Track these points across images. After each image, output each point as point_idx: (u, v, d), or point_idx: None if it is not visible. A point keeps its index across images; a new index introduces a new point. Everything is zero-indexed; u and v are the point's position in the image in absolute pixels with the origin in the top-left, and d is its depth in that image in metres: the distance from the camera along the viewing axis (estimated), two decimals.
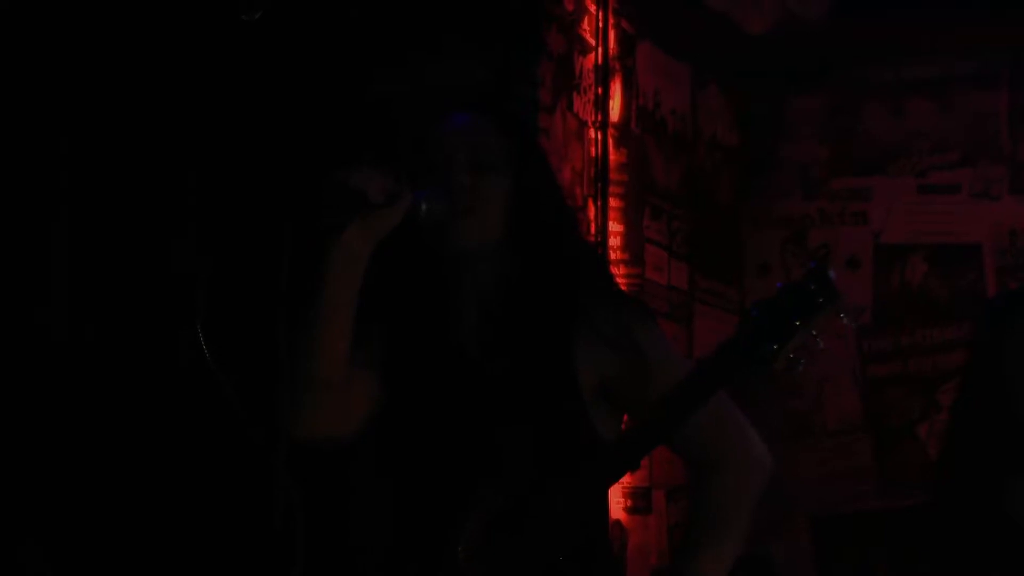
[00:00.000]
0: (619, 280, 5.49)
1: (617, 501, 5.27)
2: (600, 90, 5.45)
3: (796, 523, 6.26)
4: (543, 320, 2.90)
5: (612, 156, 5.50)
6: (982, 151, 6.19)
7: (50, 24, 3.55)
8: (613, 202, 5.49)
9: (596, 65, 5.45)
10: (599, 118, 5.45)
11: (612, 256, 5.47)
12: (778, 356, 2.67)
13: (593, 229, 5.39)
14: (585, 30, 5.39)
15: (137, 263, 3.42)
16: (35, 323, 3.47)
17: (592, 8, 5.44)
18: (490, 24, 4.65)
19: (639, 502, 5.55)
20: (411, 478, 2.92)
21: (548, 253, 2.93)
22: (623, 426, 2.99)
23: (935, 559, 4.56)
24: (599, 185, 5.44)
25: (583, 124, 5.37)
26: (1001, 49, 6.15)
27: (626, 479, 5.11)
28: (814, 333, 2.69)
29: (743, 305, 6.40)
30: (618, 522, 5.32)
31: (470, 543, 2.74)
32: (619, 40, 5.57)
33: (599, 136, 5.46)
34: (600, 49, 5.47)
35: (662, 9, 5.72)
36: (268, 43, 3.95)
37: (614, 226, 5.49)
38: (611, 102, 5.50)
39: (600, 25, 5.48)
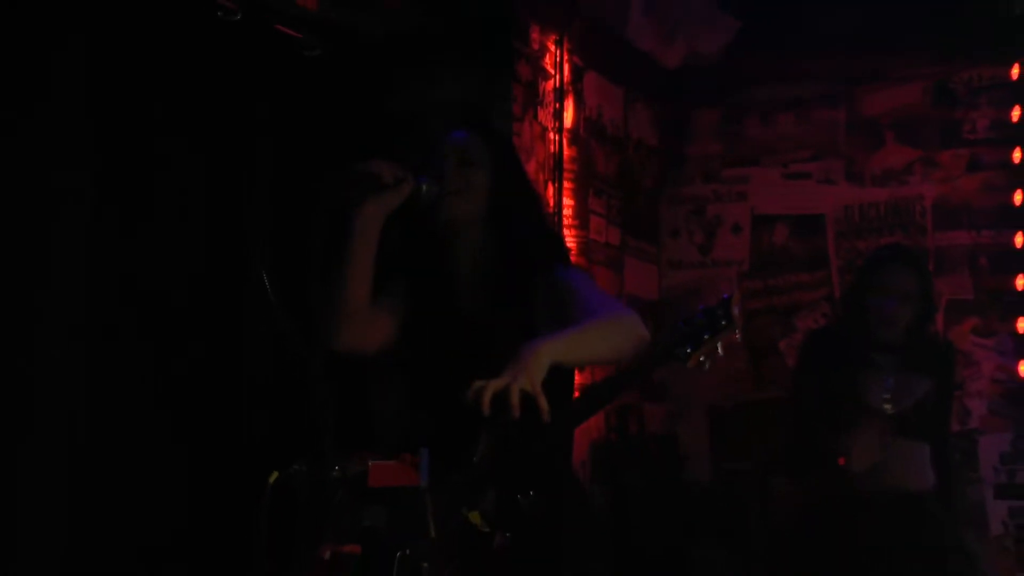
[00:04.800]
0: (570, 239, 5.52)
1: None
2: (557, 105, 5.42)
3: (696, 412, 6.24)
4: (513, 276, 2.90)
5: (566, 153, 5.47)
6: (826, 150, 6.13)
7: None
8: (566, 185, 5.47)
9: (555, 88, 5.42)
10: (557, 125, 5.43)
11: (566, 223, 5.44)
12: (691, 357, 2.73)
13: (552, 204, 5.38)
14: (547, 63, 5.37)
15: (220, 224, 3.39)
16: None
17: (551, 47, 5.41)
18: (476, 59, 4.63)
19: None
20: (423, 391, 2.91)
21: (517, 227, 2.93)
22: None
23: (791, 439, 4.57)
24: (557, 173, 5.42)
25: (545, 129, 5.35)
26: (841, 78, 6.12)
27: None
28: (717, 346, 2.73)
29: (660, 258, 6.40)
30: None
31: (482, 455, 2.69)
32: (572, 70, 5.54)
33: (557, 138, 5.42)
34: (557, 76, 5.44)
35: (603, 48, 5.69)
36: (321, 75, 3.93)
37: (567, 202, 5.47)
38: (565, 114, 5.46)
39: (557, 59, 5.44)
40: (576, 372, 3.06)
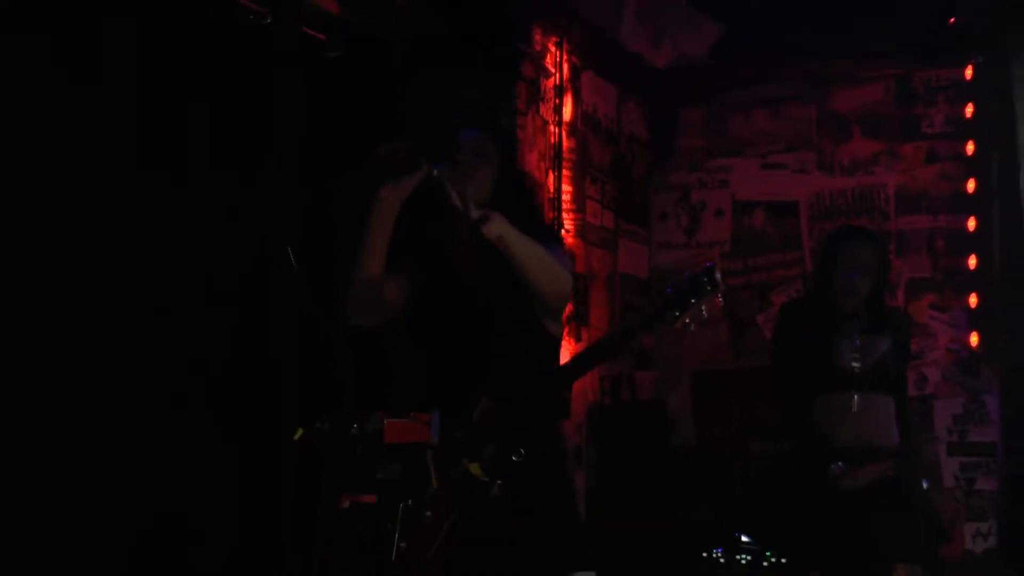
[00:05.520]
0: (569, 221, 5.52)
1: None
2: (557, 101, 5.42)
3: (682, 380, 6.24)
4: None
5: (565, 144, 5.47)
6: (800, 143, 6.12)
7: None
8: (565, 173, 5.47)
9: (555, 85, 5.41)
10: (557, 119, 5.42)
11: (565, 207, 5.44)
12: (678, 320, 2.73)
13: (552, 190, 5.37)
14: (548, 63, 5.36)
15: (249, 207, 3.38)
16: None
17: (552, 48, 5.40)
18: (486, 62, 4.62)
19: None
20: (433, 356, 2.89)
21: (515, 213, 2.92)
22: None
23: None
24: (557, 162, 5.41)
25: (546, 123, 5.34)
26: (812, 79, 6.11)
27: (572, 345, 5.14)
28: (702, 309, 2.73)
29: (650, 240, 6.40)
30: None
31: (482, 413, 2.70)
32: (570, 69, 5.53)
33: (557, 131, 5.42)
34: (557, 75, 5.43)
35: (599, 50, 5.67)
36: (347, 76, 3.92)
37: (566, 188, 5.46)
38: (564, 109, 5.46)
39: (558, 60, 5.43)
40: (563, 342, 3.05)
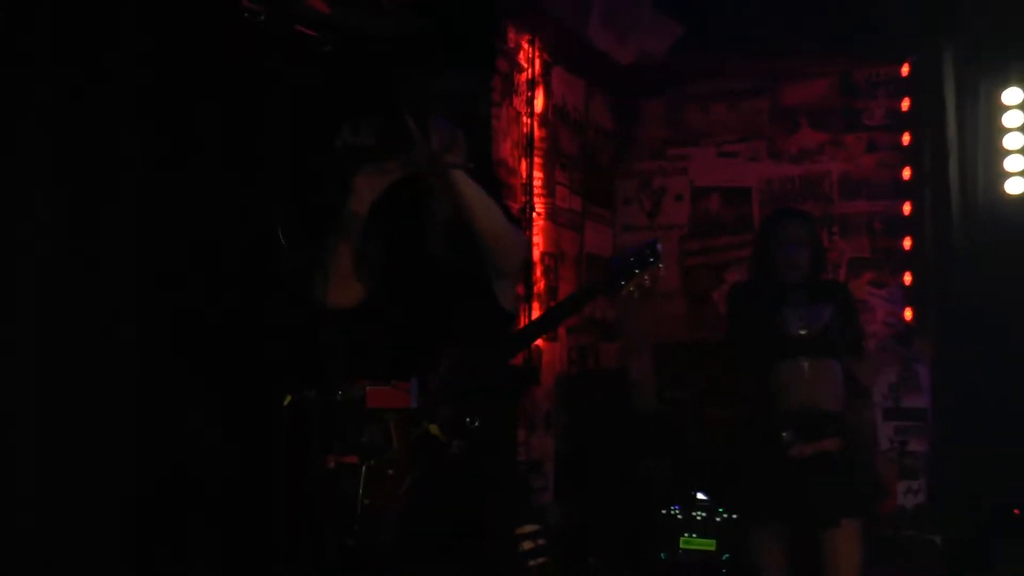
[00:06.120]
0: (540, 205, 5.51)
1: None
2: (529, 94, 5.42)
3: (643, 350, 6.27)
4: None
5: (536, 133, 5.47)
6: (752, 134, 6.15)
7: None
8: (537, 160, 5.47)
9: (528, 80, 5.41)
10: (529, 111, 5.42)
11: (536, 191, 5.44)
12: (624, 288, 2.74)
13: (525, 176, 5.38)
14: (521, 58, 5.35)
15: (246, 191, 3.36)
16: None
17: (525, 46, 5.39)
18: (465, 57, 4.60)
19: (551, 333, 5.52)
20: (401, 326, 2.82)
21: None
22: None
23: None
24: (529, 151, 5.42)
25: (519, 114, 5.34)
26: (765, 75, 6.12)
27: None
28: (645, 278, 2.73)
29: (614, 222, 6.40)
30: (537, 347, 5.33)
31: (437, 377, 2.68)
32: (542, 65, 5.53)
33: (529, 122, 5.42)
34: (530, 70, 5.43)
35: (568, 47, 5.66)
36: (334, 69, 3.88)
37: (537, 174, 5.47)
38: (536, 101, 5.46)
39: (530, 56, 5.43)
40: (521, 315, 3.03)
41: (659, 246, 2.75)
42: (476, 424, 2.63)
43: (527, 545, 2.67)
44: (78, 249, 3.05)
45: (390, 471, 2.60)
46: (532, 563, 2.65)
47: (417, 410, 2.63)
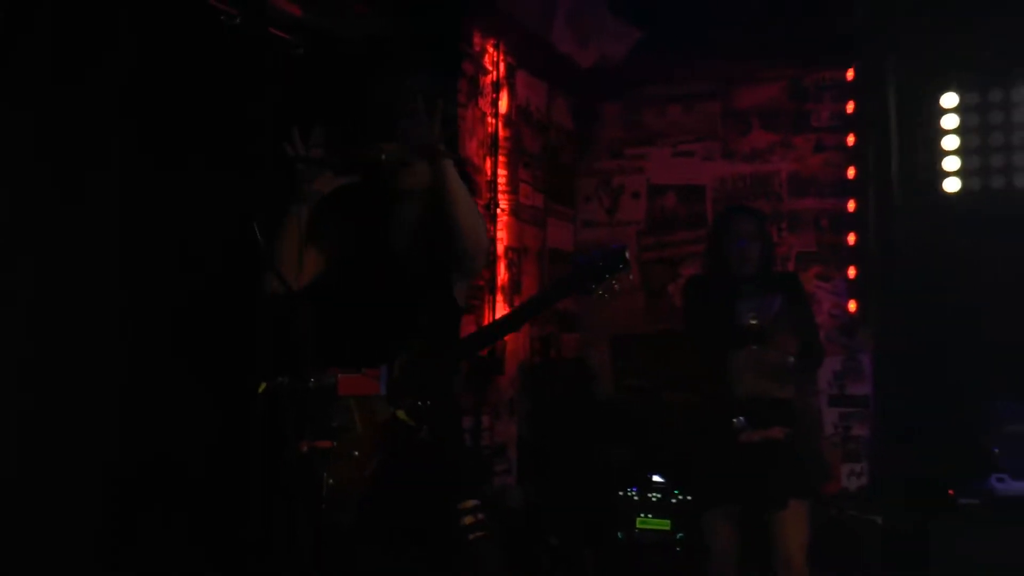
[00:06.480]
0: (504, 202, 5.51)
1: None
2: (494, 96, 5.41)
3: (602, 341, 6.28)
4: (438, 231, 2.85)
5: (501, 133, 5.47)
6: (706, 134, 6.15)
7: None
8: (501, 159, 5.47)
9: (492, 82, 5.41)
10: (494, 111, 5.42)
11: (500, 188, 5.44)
12: (594, 291, 2.75)
13: (490, 174, 5.38)
14: (486, 61, 5.34)
15: (224, 186, 3.33)
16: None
17: (490, 49, 5.39)
18: (432, 60, 4.59)
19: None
20: (357, 317, 2.82)
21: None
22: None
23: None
24: (494, 150, 5.42)
25: (484, 115, 5.34)
26: (719, 79, 6.14)
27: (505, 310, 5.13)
28: (614, 283, 2.74)
29: (575, 218, 6.40)
30: None
31: (400, 367, 2.68)
32: (506, 68, 5.52)
33: (494, 122, 5.42)
34: (495, 73, 5.42)
35: (531, 51, 5.66)
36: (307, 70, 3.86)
37: (502, 172, 5.46)
38: (500, 103, 5.46)
39: (495, 59, 5.43)
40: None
41: (627, 253, 2.77)
42: (428, 405, 2.64)
43: (468, 520, 2.67)
44: (60, 239, 3.02)
45: (356, 452, 2.61)
46: (472, 536, 2.66)
47: (386, 396, 2.64)
